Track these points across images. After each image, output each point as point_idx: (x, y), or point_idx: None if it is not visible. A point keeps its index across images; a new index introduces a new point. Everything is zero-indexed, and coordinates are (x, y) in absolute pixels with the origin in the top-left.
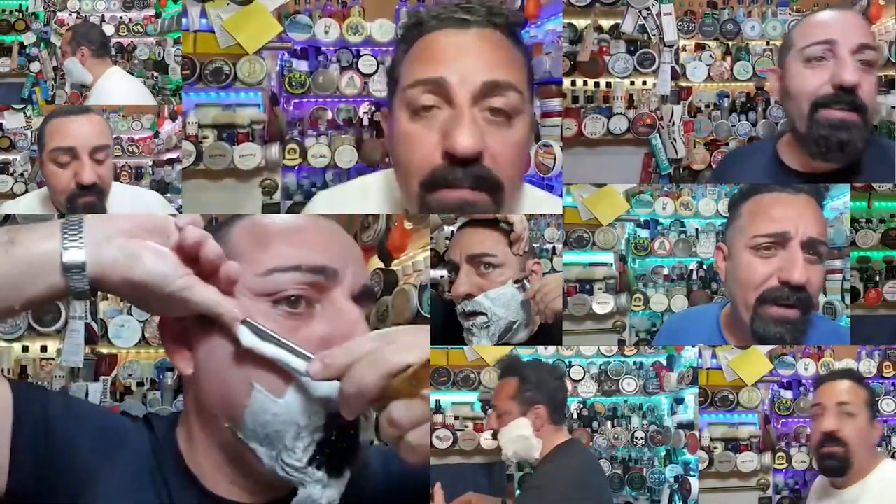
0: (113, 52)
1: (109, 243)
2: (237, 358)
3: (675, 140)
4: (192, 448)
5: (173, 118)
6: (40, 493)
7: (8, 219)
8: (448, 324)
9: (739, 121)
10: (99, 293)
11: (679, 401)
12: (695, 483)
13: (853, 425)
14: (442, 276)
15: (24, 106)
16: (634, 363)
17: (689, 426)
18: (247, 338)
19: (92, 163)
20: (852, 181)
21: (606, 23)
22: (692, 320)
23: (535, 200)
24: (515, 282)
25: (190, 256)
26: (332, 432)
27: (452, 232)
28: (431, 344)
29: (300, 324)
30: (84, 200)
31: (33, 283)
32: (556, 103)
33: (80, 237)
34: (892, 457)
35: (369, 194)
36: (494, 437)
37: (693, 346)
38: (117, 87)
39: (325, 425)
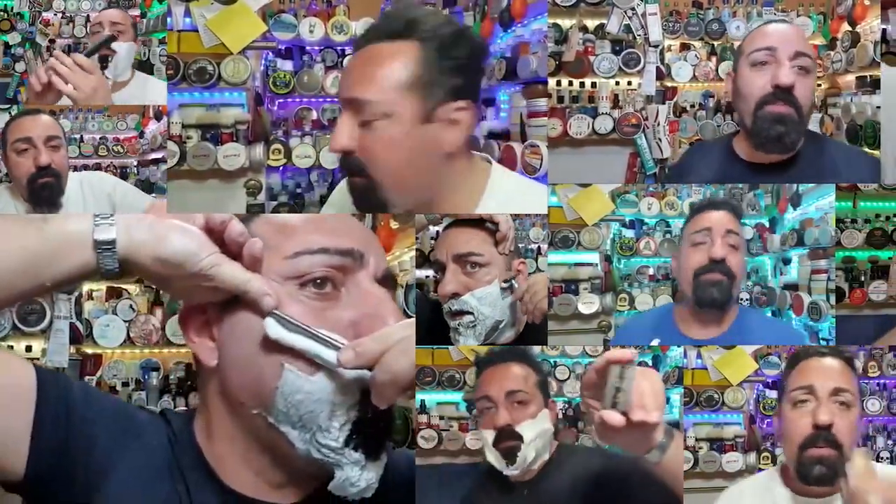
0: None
1: (139, 223)
2: (266, 340)
3: (660, 140)
4: (211, 442)
5: (158, 118)
6: (57, 481)
7: None
8: (433, 324)
9: (724, 121)
10: (97, 292)
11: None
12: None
13: (848, 420)
14: (427, 276)
15: (9, 106)
16: None
17: (674, 426)
18: (273, 329)
19: (47, 149)
20: (792, 173)
21: (591, 23)
22: (645, 319)
23: (514, 190)
24: (504, 282)
25: (217, 239)
26: (367, 410)
27: (438, 232)
28: (417, 344)
29: (327, 305)
30: (43, 181)
31: (65, 260)
32: (541, 103)
33: (112, 218)
34: (877, 459)
35: None
36: (503, 436)
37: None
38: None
39: (361, 402)
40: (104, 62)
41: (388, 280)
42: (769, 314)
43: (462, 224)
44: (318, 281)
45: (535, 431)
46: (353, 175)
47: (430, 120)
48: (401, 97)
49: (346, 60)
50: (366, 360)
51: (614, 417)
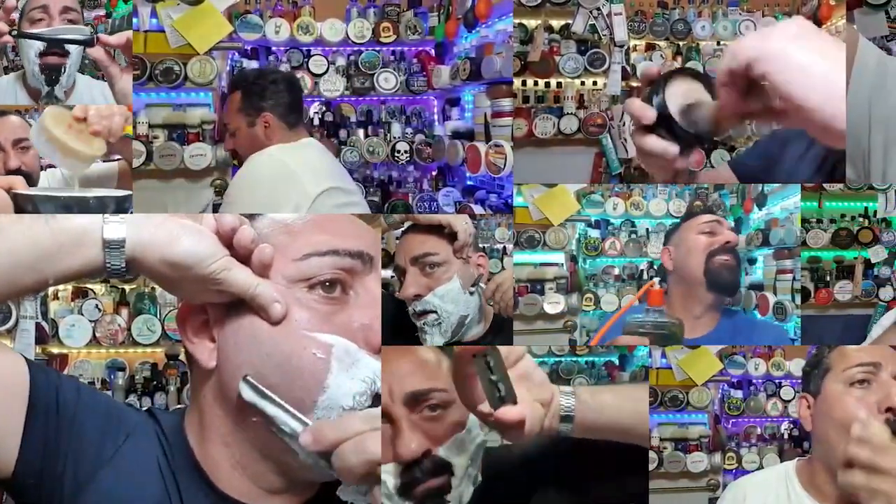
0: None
1: (149, 222)
2: (268, 340)
3: (625, 140)
4: (204, 444)
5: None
6: (46, 479)
7: None
8: (401, 323)
9: None
10: (53, 290)
11: None
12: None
13: None
14: (392, 276)
15: None
16: (586, 363)
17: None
18: (247, 393)
19: (16, 151)
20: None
21: (557, 23)
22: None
23: None
24: (472, 284)
25: (226, 242)
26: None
27: (403, 232)
28: (383, 343)
29: (336, 309)
30: None
31: (71, 256)
32: (506, 103)
33: (121, 217)
34: None
35: None
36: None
37: None
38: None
39: (373, 407)
40: (55, 73)
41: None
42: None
43: (418, 229)
44: (328, 284)
45: (449, 296)
46: None
47: None
48: None
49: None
50: (323, 446)
51: (510, 413)
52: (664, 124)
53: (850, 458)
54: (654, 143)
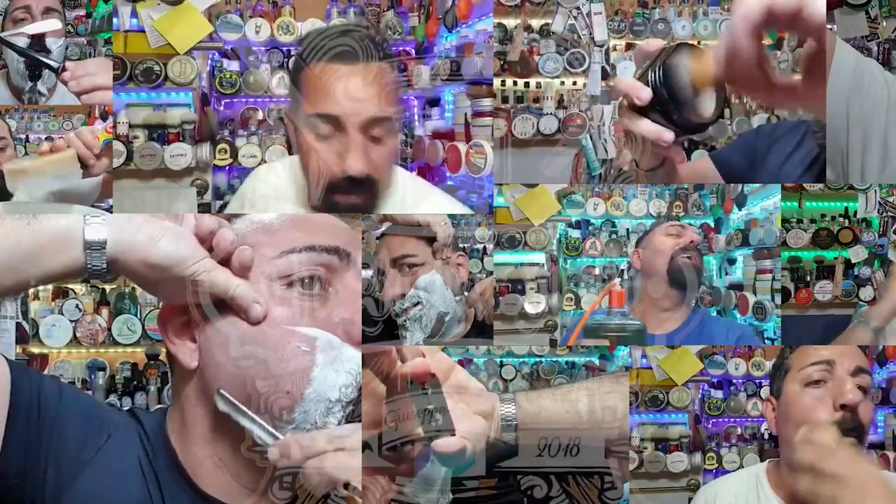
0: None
1: (130, 224)
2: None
3: (605, 140)
4: (186, 444)
5: (104, 118)
6: (27, 479)
7: None
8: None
9: None
10: (34, 291)
11: None
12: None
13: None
14: (371, 276)
15: None
16: (567, 363)
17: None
18: (221, 405)
19: None
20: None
21: (536, 22)
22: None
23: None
24: (458, 293)
25: (206, 244)
26: (358, 410)
27: (383, 233)
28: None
29: (316, 305)
30: None
31: (52, 257)
32: (486, 103)
33: (103, 217)
34: None
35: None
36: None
37: None
38: None
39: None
40: (38, 70)
41: None
42: (714, 314)
43: (397, 230)
44: (306, 280)
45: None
46: (356, 193)
47: None
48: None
49: (322, 81)
50: (288, 464)
51: (450, 444)
52: (659, 106)
53: (797, 462)
54: (648, 127)
